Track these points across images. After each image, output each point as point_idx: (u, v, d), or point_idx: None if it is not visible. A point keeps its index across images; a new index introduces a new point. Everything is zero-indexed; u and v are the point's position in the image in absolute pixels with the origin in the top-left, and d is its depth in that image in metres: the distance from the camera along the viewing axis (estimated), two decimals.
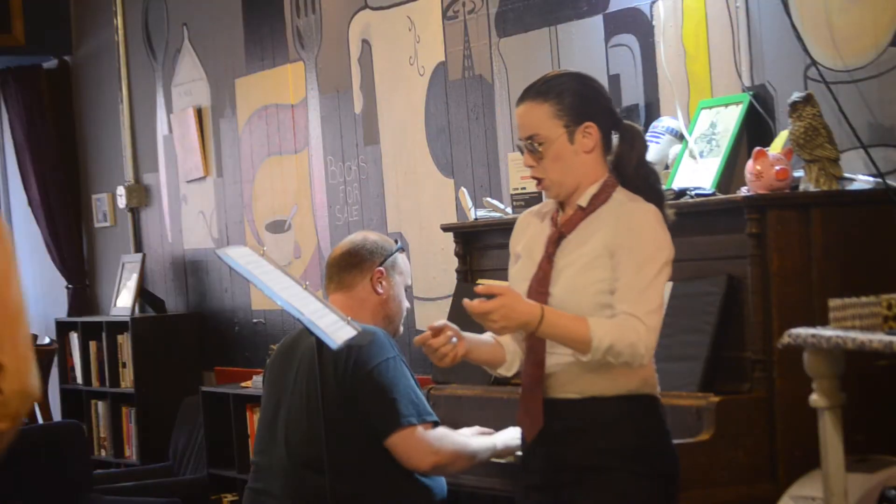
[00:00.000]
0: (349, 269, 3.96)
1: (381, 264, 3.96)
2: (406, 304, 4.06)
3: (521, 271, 3.33)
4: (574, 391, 3.23)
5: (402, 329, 4.12)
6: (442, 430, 3.81)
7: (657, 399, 3.28)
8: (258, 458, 3.92)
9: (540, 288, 3.24)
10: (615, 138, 3.33)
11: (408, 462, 3.77)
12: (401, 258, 4.04)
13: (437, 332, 3.24)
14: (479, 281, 4.75)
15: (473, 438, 3.86)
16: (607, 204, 3.25)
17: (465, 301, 3.10)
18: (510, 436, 3.85)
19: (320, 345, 3.43)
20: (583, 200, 3.26)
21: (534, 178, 3.31)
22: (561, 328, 3.09)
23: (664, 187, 4.14)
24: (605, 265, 3.18)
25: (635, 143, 3.32)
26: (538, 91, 3.28)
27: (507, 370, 3.44)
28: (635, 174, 3.28)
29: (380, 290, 3.94)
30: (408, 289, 4.10)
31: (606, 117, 3.30)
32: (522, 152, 3.31)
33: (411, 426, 3.73)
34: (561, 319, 3.09)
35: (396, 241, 4.12)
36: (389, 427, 3.72)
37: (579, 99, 3.26)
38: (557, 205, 3.33)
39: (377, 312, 3.95)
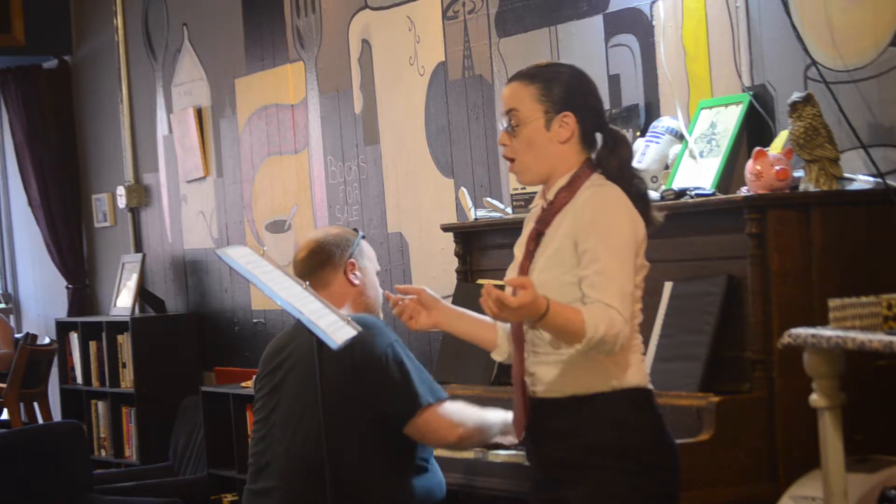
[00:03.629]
0: (321, 266, 3.96)
1: (350, 256, 3.97)
2: (380, 289, 4.06)
3: (510, 270, 3.34)
4: (556, 391, 3.22)
5: (381, 315, 4.10)
6: (458, 404, 3.85)
7: (642, 391, 3.23)
8: (255, 459, 3.92)
9: None
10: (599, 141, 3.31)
11: (435, 439, 3.81)
12: (365, 245, 4.07)
13: (402, 293, 3.35)
14: (480, 281, 4.75)
15: (486, 412, 3.89)
16: (575, 197, 3.22)
17: (501, 294, 3.03)
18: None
19: (320, 345, 3.43)
20: (550, 194, 3.26)
21: (505, 157, 3.30)
22: (562, 318, 3.06)
23: (663, 188, 4.17)
24: (569, 257, 3.16)
25: (617, 148, 3.27)
26: (529, 73, 3.28)
27: (499, 355, 3.45)
28: (618, 178, 3.24)
29: (356, 282, 3.96)
30: (378, 274, 4.09)
31: (590, 115, 3.27)
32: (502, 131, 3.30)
33: (430, 406, 3.75)
34: (562, 309, 3.07)
35: (356, 230, 4.12)
36: (410, 411, 3.74)
37: (566, 89, 3.25)
38: (544, 199, 3.31)
39: (358, 304, 3.95)
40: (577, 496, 3.21)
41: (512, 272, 3.31)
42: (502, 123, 3.29)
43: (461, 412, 3.83)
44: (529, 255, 3.27)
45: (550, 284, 3.16)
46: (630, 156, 3.31)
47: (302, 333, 3.82)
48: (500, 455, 4.00)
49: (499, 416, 3.89)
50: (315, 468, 3.64)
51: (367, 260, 4.03)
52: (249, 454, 3.98)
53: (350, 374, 3.73)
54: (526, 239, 3.31)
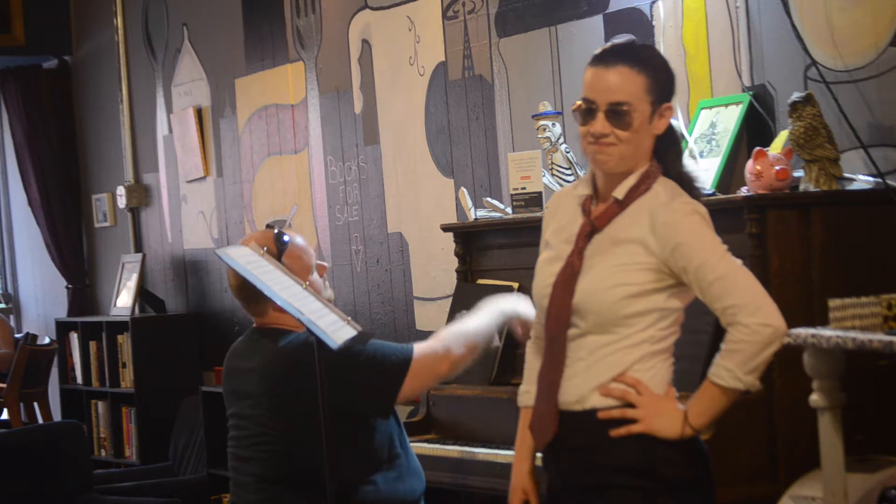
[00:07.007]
0: (254, 301, 3.82)
1: None
2: (326, 291, 3.87)
3: (548, 261, 3.11)
4: (576, 402, 3.03)
5: None
6: (427, 342, 3.68)
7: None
8: (232, 474, 3.83)
9: (566, 286, 3.03)
10: None
11: (431, 383, 3.67)
12: (292, 246, 3.77)
13: None
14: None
15: (463, 323, 3.71)
16: (644, 197, 3.03)
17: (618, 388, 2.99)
18: (504, 305, 3.71)
19: (321, 345, 3.40)
20: (619, 192, 3.04)
21: (602, 144, 3.02)
22: (710, 408, 3.03)
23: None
24: (640, 270, 2.99)
25: (675, 143, 3.11)
26: (637, 59, 3.02)
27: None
28: (677, 177, 3.08)
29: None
30: (319, 266, 3.86)
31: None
32: (586, 113, 3.03)
33: (409, 360, 3.61)
34: (703, 402, 3.02)
35: (273, 230, 3.78)
36: (398, 380, 3.60)
37: (668, 78, 3.06)
38: (592, 189, 3.10)
39: (297, 323, 3.75)
40: None
41: (552, 262, 3.10)
42: (598, 111, 3.00)
43: (437, 340, 3.65)
44: (579, 252, 3.05)
45: (608, 293, 2.99)
46: (682, 152, 3.15)
47: (254, 349, 3.78)
48: (501, 455, 4.00)
49: (481, 322, 3.70)
50: (286, 485, 3.60)
51: (296, 259, 3.78)
52: (228, 468, 3.88)
53: (314, 380, 3.62)
54: (576, 233, 3.09)
